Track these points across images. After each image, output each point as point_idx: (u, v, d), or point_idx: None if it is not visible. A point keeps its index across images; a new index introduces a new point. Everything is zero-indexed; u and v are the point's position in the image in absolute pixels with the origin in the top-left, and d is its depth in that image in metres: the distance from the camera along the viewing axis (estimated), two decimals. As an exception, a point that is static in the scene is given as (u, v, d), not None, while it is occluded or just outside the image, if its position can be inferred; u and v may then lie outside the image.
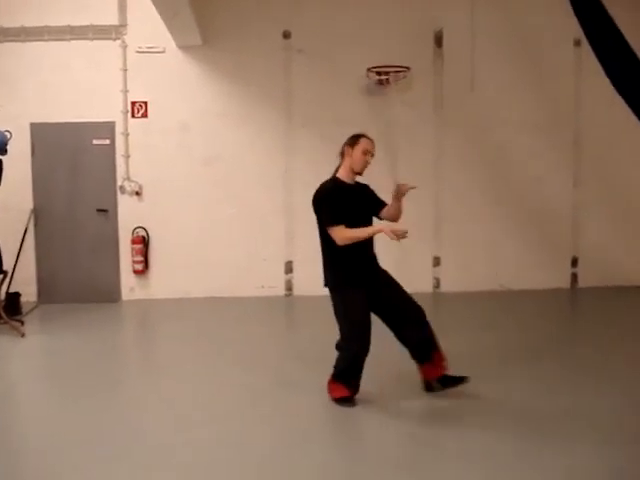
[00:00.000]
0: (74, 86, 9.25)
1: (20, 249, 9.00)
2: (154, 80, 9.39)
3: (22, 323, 8.02)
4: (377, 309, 5.16)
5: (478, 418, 4.98)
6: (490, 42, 9.35)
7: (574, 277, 9.95)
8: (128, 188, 9.48)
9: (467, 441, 4.63)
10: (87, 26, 9.21)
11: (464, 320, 8.12)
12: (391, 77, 9.15)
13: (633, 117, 6.74)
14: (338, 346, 5.28)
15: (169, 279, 9.59)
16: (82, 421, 5.13)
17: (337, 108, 9.45)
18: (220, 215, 9.56)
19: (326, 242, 5.17)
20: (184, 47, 9.31)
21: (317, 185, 5.49)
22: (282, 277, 9.71)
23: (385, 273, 5.25)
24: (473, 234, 9.70)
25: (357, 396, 5.28)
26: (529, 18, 9.53)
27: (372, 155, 5.32)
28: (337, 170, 5.35)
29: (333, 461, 4.44)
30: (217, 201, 9.55)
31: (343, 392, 5.25)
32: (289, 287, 9.72)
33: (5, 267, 8.04)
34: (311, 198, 5.24)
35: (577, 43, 9.42)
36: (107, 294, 9.52)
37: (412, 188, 5.23)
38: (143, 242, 9.47)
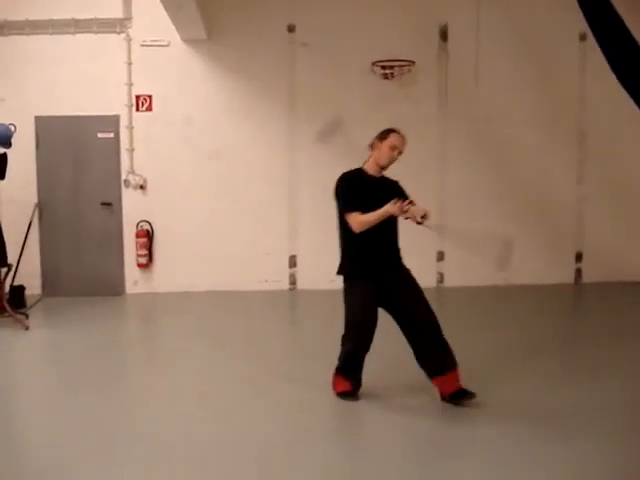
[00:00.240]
0: (79, 80, 9.24)
1: (24, 242, 9.02)
2: (158, 74, 9.39)
3: (26, 316, 8.04)
4: (389, 308, 5.12)
5: (482, 414, 4.97)
6: (495, 37, 9.32)
7: (578, 272, 9.94)
8: (132, 182, 9.49)
9: (471, 436, 4.63)
10: (92, 19, 9.20)
11: (468, 315, 8.11)
12: (396, 71, 9.13)
13: (638, 111, 6.73)
14: (342, 338, 5.27)
15: (173, 273, 9.60)
16: (85, 414, 5.14)
17: (341, 102, 9.43)
18: (224, 209, 9.56)
19: (343, 230, 5.22)
20: (189, 41, 9.30)
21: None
22: (286, 271, 9.71)
23: (407, 273, 5.16)
24: (477, 229, 9.67)
25: (361, 391, 5.28)
26: (534, 12, 9.50)
27: (400, 152, 5.25)
28: (365, 162, 5.28)
29: (336, 455, 4.44)
30: (221, 195, 9.55)
31: (344, 386, 5.26)
32: (293, 281, 9.72)
33: (10, 260, 8.06)
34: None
35: (582, 37, 9.38)
36: (111, 287, 9.53)
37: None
38: (147, 236, 9.48)
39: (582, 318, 8.52)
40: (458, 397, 5.04)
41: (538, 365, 6.10)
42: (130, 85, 9.38)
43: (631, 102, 6.84)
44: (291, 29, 9.45)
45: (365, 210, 4.99)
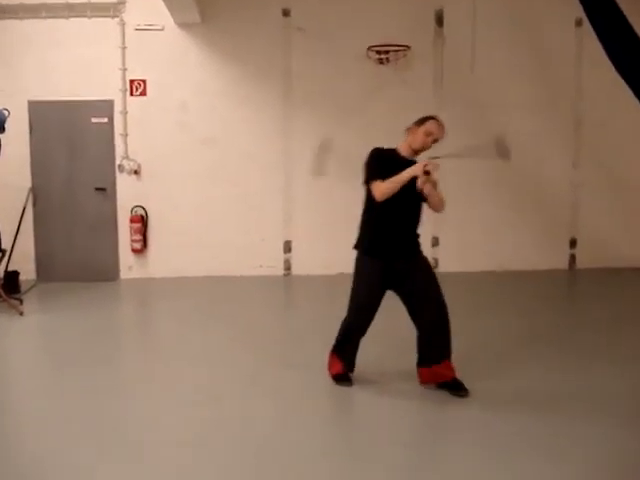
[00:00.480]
0: (72, 64, 9.19)
1: (18, 228, 9.00)
2: (153, 58, 9.34)
3: (21, 301, 8.03)
4: (397, 293, 5.10)
5: (479, 399, 4.99)
6: (491, 22, 9.28)
7: (572, 258, 9.96)
8: (127, 167, 9.46)
9: (467, 421, 4.67)
10: (85, 4, 9.13)
11: (463, 301, 8.09)
12: (391, 56, 9.11)
13: (634, 98, 6.72)
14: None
15: (167, 258, 9.59)
16: (80, 399, 5.15)
17: (336, 87, 9.42)
18: (219, 194, 9.54)
19: (365, 204, 5.18)
20: (183, 25, 9.25)
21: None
22: (281, 256, 9.72)
23: (421, 262, 5.13)
24: (472, 215, 9.69)
25: (357, 376, 5.30)
26: (530, -2, 9.48)
27: (435, 140, 5.08)
28: (401, 144, 5.21)
29: (333, 440, 4.47)
30: (216, 180, 9.53)
31: (337, 367, 5.29)
32: (288, 267, 9.73)
33: (4, 246, 8.06)
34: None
35: (578, 23, 9.37)
36: (105, 273, 9.53)
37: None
38: (142, 221, 9.47)
39: (577, 304, 8.55)
40: (452, 387, 5.08)
41: (534, 350, 6.14)
42: (124, 70, 9.33)
43: (627, 89, 6.83)
44: (286, 13, 9.40)
45: (390, 199, 4.93)
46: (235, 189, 9.55)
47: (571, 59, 9.61)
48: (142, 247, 9.52)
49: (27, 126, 9.26)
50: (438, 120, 5.14)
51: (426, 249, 9.76)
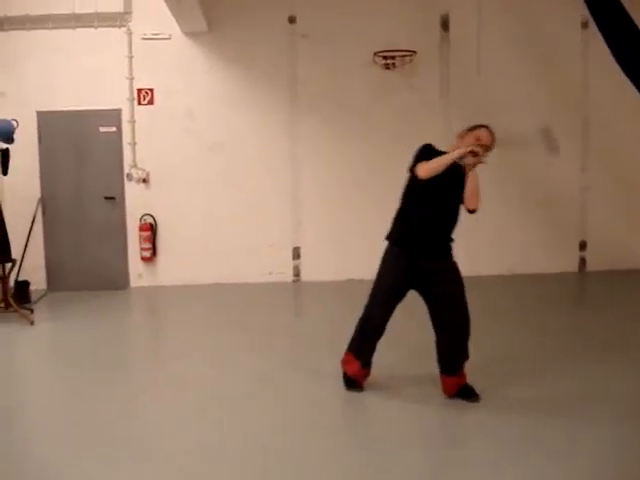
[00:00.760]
0: (80, 74, 9.23)
1: (28, 237, 9.03)
2: (160, 67, 9.37)
3: (31, 311, 8.05)
4: (420, 293, 5.07)
5: (488, 403, 4.98)
6: (497, 25, 9.29)
7: (582, 261, 9.92)
8: (135, 175, 9.49)
9: (476, 425, 4.66)
10: (92, 14, 9.17)
11: (471, 305, 8.07)
12: (397, 61, 9.12)
13: (641, 100, 6.71)
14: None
15: (177, 266, 9.61)
16: (91, 407, 5.17)
17: (343, 93, 9.43)
18: (227, 201, 9.56)
19: (404, 195, 5.13)
20: (189, 33, 9.29)
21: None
22: (290, 263, 9.72)
23: (448, 265, 5.04)
24: (480, 218, 9.64)
25: (368, 381, 5.29)
26: (536, 0, 9.45)
27: (485, 147, 4.94)
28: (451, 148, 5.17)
29: (342, 445, 4.46)
30: (224, 187, 9.56)
31: (353, 367, 5.25)
32: (297, 273, 9.73)
33: (14, 255, 8.07)
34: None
35: (584, 25, 9.36)
36: (115, 281, 9.55)
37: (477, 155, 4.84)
38: (151, 229, 9.49)
39: (588, 307, 8.51)
40: (463, 394, 5.07)
41: (544, 354, 6.12)
42: (131, 79, 9.37)
43: (634, 91, 6.82)
44: (292, 20, 9.42)
45: (427, 186, 4.87)
46: (243, 196, 9.57)
47: (577, 61, 9.59)
48: (151, 255, 9.54)
49: (36, 136, 9.30)
50: (490, 129, 5.04)
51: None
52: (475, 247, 9.68)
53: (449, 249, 5.08)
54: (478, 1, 8.81)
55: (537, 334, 6.75)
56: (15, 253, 8.16)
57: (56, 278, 9.50)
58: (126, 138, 9.46)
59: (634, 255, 9.72)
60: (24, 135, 8.56)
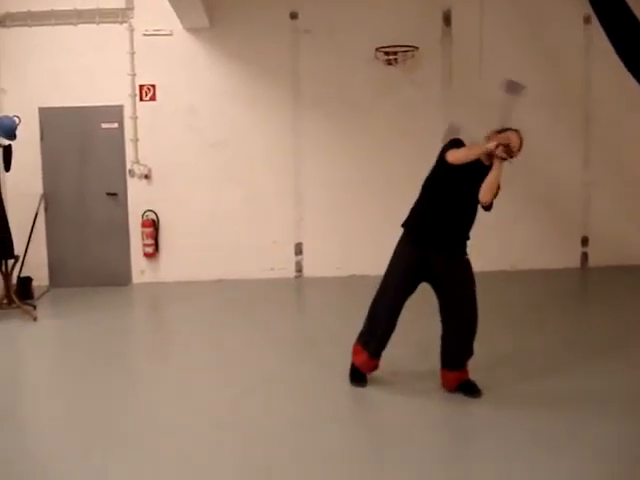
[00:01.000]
0: (82, 70, 9.23)
1: (31, 234, 9.02)
2: (162, 63, 9.37)
3: (34, 307, 8.07)
4: (433, 286, 5.06)
5: (490, 398, 4.99)
6: (499, 21, 9.27)
7: (584, 257, 9.92)
8: (137, 171, 9.49)
9: (482, 421, 4.67)
10: (93, 10, 9.18)
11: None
12: (399, 57, 9.10)
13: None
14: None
15: (179, 262, 9.62)
16: (93, 403, 5.18)
17: (345, 89, 9.43)
18: (229, 197, 9.56)
19: (424, 189, 5.10)
20: (191, 29, 9.28)
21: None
22: (292, 259, 9.72)
23: (461, 261, 5.04)
24: (483, 214, 9.65)
25: (371, 376, 5.29)
26: (538, -4, 9.46)
27: (513, 149, 4.87)
28: None
29: (347, 439, 4.45)
30: (226, 183, 9.56)
31: (360, 356, 5.24)
32: (299, 269, 9.73)
33: (16, 252, 8.09)
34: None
35: (587, 20, 9.35)
36: (118, 277, 9.56)
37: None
38: (153, 225, 9.50)
39: (590, 302, 8.51)
40: (465, 389, 5.07)
41: (548, 350, 6.13)
42: (133, 75, 9.36)
43: (637, 86, 6.81)
44: (294, 16, 9.41)
45: (450, 180, 4.87)
46: (245, 192, 9.57)
47: (580, 57, 9.57)
48: (154, 251, 9.55)
49: (38, 133, 9.30)
50: (519, 132, 5.02)
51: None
52: (477, 243, 9.66)
53: (464, 246, 5.07)
54: (480, -4, 8.80)
55: (540, 330, 6.75)
56: (18, 249, 8.19)
57: (59, 274, 9.51)
58: (128, 134, 9.46)
59: (636, 251, 9.70)
60: (26, 132, 8.57)
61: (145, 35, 9.31)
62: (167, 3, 8.23)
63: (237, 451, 4.30)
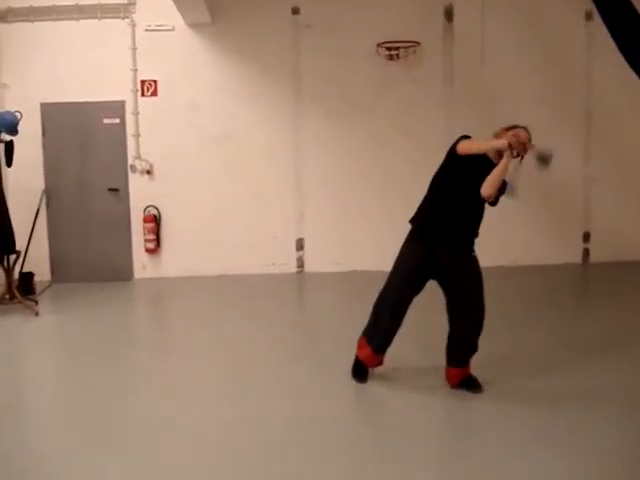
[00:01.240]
0: (83, 66, 9.23)
1: (32, 229, 9.04)
2: (163, 58, 9.37)
3: (36, 302, 8.09)
4: (440, 284, 5.04)
5: (491, 395, 4.99)
6: (501, 17, 9.27)
7: (586, 252, 9.92)
8: (139, 167, 9.50)
9: (484, 417, 4.68)
10: (95, 5, 9.17)
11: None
12: (401, 52, 9.09)
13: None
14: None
15: (181, 257, 9.63)
16: (94, 398, 5.19)
17: (346, 85, 9.43)
18: (231, 193, 9.57)
19: (433, 185, 5.07)
20: (193, 25, 9.27)
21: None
22: (293, 254, 9.73)
23: (472, 263, 5.05)
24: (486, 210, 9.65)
25: (373, 372, 5.31)
26: (540, -9, 9.45)
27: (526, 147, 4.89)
28: None
29: (347, 435, 4.46)
30: (228, 179, 9.56)
31: (363, 350, 5.23)
32: (300, 264, 9.74)
33: (18, 247, 8.10)
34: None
35: (588, 16, 9.34)
36: (119, 273, 9.57)
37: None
38: (155, 221, 9.50)
39: (591, 298, 8.52)
40: (466, 385, 5.08)
41: (549, 347, 6.12)
42: (135, 70, 9.36)
43: (638, 82, 6.80)
44: (295, 11, 9.40)
45: (458, 177, 4.85)
46: (247, 187, 9.58)
47: (581, 52, 9.56)
48: (155, 247, 9.56)
49: (39, 128, 9.31)
50: (527, 130, 4.99)
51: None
52: (478, 239, 9.67)
53: (472, 244, 5.06)
54: (482, -8, 8.79)
55: (541, 326, 6.74)
56: (19, 245, 8.20)
57: (60, 270, 9.52)
58: (130, 130, 9.47)
59: (638, 246, 9.70)
60: (28, 127, 8.57)
61: (147, 31, 9.31)
62: (169, -2, 8.24)
63: (238, 447, 4.31)
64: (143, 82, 9.41)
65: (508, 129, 4.98)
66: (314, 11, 9.35)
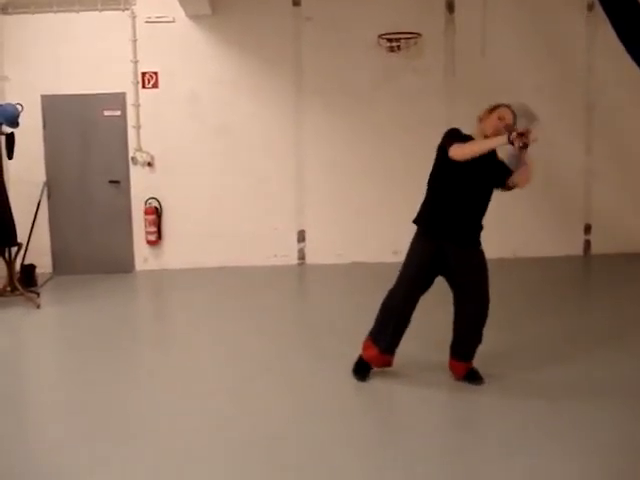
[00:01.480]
0: (84, 58, 9.22)
1: (34, 221, 9.04)
2: (164, 50, 9.35)
3: (37, 295, 8.10)
4: (447, 279, 5.03)
5: (496, 388, 5.00)
6: (502, 8, 9.24)
7: (587, 244, 9.92)
8: (140, 159, 9.50)
9: (485, 410, 4.69)
10: (96, -3, 9.18)
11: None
12: (402, 44, 9.06)
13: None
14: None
15: (182, 249, 9.64)
16: (96, 390, 5.20)
17: (347, 76, 9.41)
18: (232, 184, 9.57)
19: (431, 183, 5.04)
20: (194, 16, 9.25)
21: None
22: (294, 246, 9.74)
23: (478, 256, 5.01)
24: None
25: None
26: (542, -18, 9.41)
27: (508, 126, 4.81)
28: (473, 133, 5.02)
29: (349, 428, 4.46)
30: (229, 170, 9.56)
31: (369, 351, 5.18)
32: (301, 256, 9.75)
33: (20, 239, 8.11)
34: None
35: (590, 8, 9.31)
36: (121, 265, 9.58)
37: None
38: (156, 213, 9.51)
39: (593, 290, 8.52)
40: (468, 376, 5.10)
41: (549, 338, 6.12)
42: (136, 62, 9.35)
43: (639, 72, 6.78)
44: (296, 3, 9.37)
45: (458, 170, 4.77)
46: (248, 179, 9.57)
47: (583, 44, 9.54)
48: (157, 239, 9.57)
49: (40, 120, 9.30)
50: (510, 107, 4.95)
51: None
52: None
53: (478, 236, 5.04)
54: (483, -17, 8.77)
55: (541, 318, 6.74)
56: (21, 237, 8.20)
57: (62, 262, 9.53)
58: (131, 122, 9.46)
59: (639, 238, 9.69)
60: (29, 119, 8.57)
61: (147, 22, 9.29)
62: (169, -10, 8.22)
63: (239, 440, 4.31)
64: (144, 74, 9.39)
65: (491, 110, 4.95)
66: (315, 3, 9.32)
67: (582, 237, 9.91)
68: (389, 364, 5.22)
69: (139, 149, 9.48)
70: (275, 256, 9.68)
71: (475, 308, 4.98)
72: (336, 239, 9.63)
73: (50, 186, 9.43)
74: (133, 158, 9.50)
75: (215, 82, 9.44)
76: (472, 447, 4.20)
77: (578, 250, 9.90)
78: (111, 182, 9.50)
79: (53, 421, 4.76)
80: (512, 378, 5.18)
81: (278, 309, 7.52)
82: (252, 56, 9.42)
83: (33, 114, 9.01)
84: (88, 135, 9.40)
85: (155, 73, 9.39)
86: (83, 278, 9.13)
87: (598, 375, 5.23)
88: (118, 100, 9.40)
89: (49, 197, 9.44)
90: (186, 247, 9.62)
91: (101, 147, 9.44)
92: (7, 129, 7.96)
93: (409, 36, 9.03)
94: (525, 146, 4.54)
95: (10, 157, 8.09)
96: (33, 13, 9.16)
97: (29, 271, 8.68)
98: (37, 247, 9.06)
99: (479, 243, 5.05)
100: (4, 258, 7.95)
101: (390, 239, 9.22)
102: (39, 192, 9.27)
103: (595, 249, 9.88)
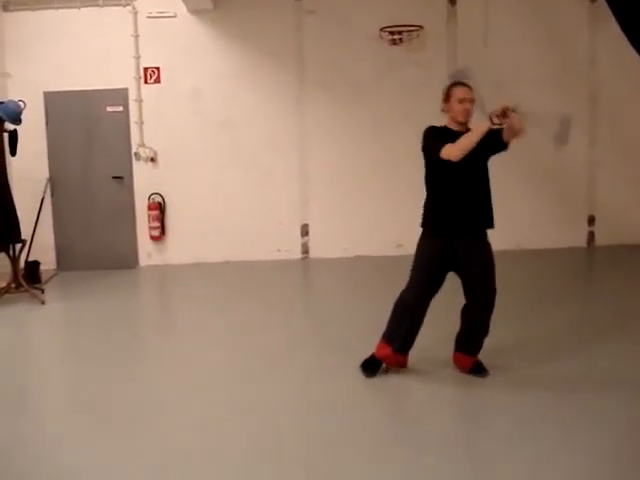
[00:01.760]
0: (86, 54, 9.23)
1: (37, 218, 9.06)
2: (166, 45, 9.35)
3: (42, 291, 8.11)
4: (457, 273, 5.00)
5: (502, 381, 4.98)
6: (504, 0, 9.23)
7: (591, 235, 9.91)
8: (143, 155, 9.50)
9: (491, 403, 4.68)
10: (97, -8, 9.18)
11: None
12: (404, 37, 9.05)
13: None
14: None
15: (186, 244, 9.65)
16: (101, 386, 5.20)
17: (349, 69, 9.40)
18: (235, 179, 9.57)
19: (428, 184, 5.03)
20: (195, 11, 9.25)
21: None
22: (298, 240, 9.74)
23: (485, 248, 5.01)
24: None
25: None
26: (544, -27, 9.39)
27: (471, 100, 4.93)
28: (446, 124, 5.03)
29: (354, 422, 4.45)
30: (232, 165, 9.56)
31: (383, 350, 5.13)
32: (305, 250, 9.75)
33: (24, 236, 8.11)
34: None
35: (593, -1, 9.31)
36: (125, 260, 9.60)
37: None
38: (159, 208, 9.52)
39: (597, 281, 8.51)
40: (473, 368, 5.09)
41: (554, 329, 6.10)
42: (138, 58, 9.35)
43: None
44: (298, -4, 9.39)
45: (449, 167, 4.75)
46: (251, 173, 9.58)
47: (585, 35, 9.52)
48: (160, 234, 9.58)
49: (43, 117, 9.32)
50: (461, 83, 5.01)
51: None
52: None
53: (491, 219, 5.06)
54: (485, -25, 8.74)
55: (546, 310, 6.73)
56: (25, 233, 8.21)
57: (66, 258, 9.55)
58: (133, 117, 9.47)
59: (643, 229, 9.70)
60: (31, 116, 8.56)
61: (149, 17, 9.29)
62: (170, -15, 8.22)
63: (244, 434, 4.31)
64: (146, 69, 9.40)
65: (447, 97, 5.01)
66: (316, -4, 9.32)
67: (586, 229, 9.90)
68: (403, 364, 5.19)
69: (142, 145, 9.49)
70: (279, 250, 9.69)
71: (482, 300, 4.98)
72: (340, 233, 9.63)
73: (53, 183, 9.44)
74: (136, 154, 9.51)
75: (217, 77, 9.44)
76: (478, 439, 4.20)
77: (582, 242, 9.89)
78: (114, 178, 9.51)
79: (58, 415, 4.76)
80: (517, 370, 5.17)
81: (283, 303, 7.52)
82: (254, 50, 9.42)
83: (36, 111, 9.02)
84: (91, 131, 9.41)
85: (157, 68, 9.39)
86: (87, 274, 9.15)
87: (603, 366, 5.22)
88: (120, 96, 9.41)
89: (52, 194, 9.46)
90: (190, 242, 9.63)
91: (104, 143, 9.45)
92: (10, 126, 7.96)
93: (411, 29, 9.02)
94: (506, 117, 4.66)
95: (13, 154, 8.09)
96: (34, 10, 9.16)
97: (33, 267, 8.70)
98: (41, 243, 9.08)
99: (485, 234, 5.04)
100: (8, 255, 7.95)
101: (394, 232, 9.23)
102: (42, 189, 9.30)
103: (599, 241, 9.87)
